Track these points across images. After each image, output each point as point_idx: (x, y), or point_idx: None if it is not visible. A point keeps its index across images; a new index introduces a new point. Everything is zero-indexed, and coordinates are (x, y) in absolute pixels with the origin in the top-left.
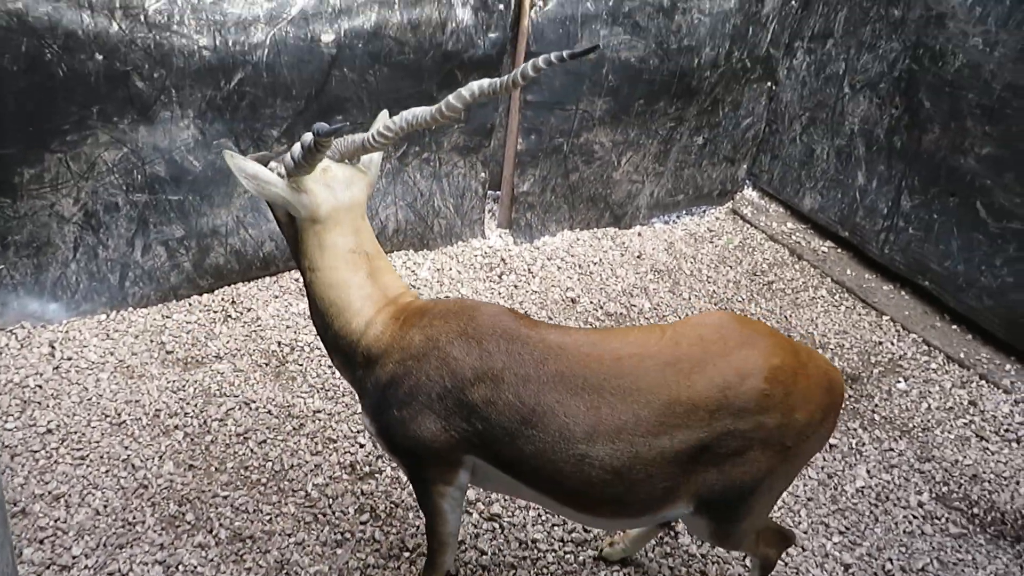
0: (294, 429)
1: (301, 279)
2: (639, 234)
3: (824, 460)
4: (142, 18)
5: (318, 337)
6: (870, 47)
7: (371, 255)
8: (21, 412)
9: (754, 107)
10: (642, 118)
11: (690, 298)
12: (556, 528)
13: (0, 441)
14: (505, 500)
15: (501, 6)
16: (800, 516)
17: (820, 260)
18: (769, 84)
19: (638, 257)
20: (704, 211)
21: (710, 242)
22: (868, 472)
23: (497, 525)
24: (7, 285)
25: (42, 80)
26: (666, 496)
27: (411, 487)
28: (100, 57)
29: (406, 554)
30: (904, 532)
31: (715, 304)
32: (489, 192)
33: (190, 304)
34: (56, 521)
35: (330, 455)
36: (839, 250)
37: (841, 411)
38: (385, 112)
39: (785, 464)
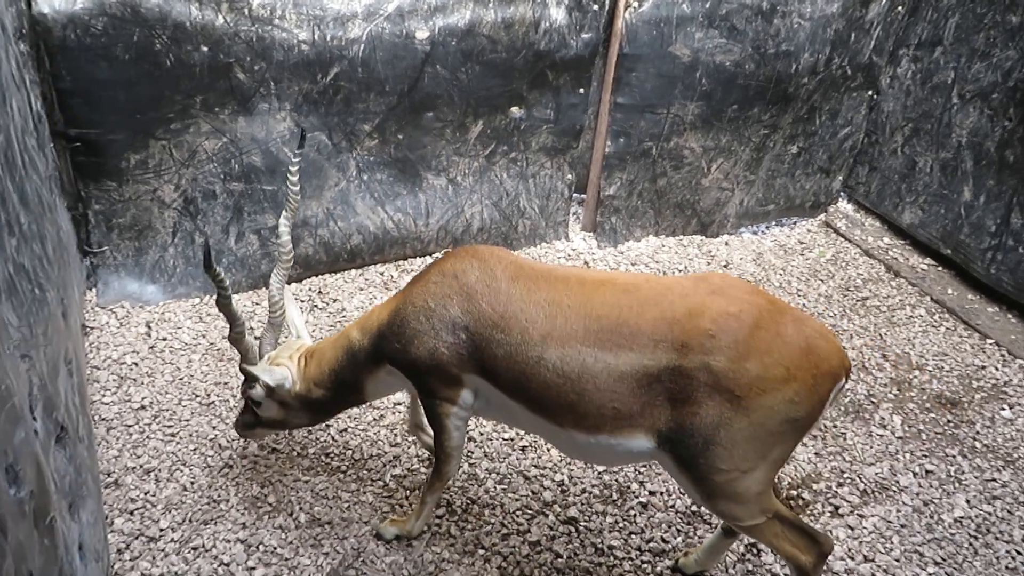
0: (374, 420)
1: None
2: (726, 243)
3: (920, 486)
4: (246, 11)
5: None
6: (983, 55)
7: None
8: (117, 388)
9: (853, 116)
10: (735, 124)
11: None
12: (633, 536)
13: (97, 414)
14: (582, 504)
15: (595, 6)
16: (892, 543)
17: (919, 278)
18: (870, 93)
19: (725, 267)
20: (795, 223)
21: (801, 255)
22: (968, 502)
23: (573, 529)
24: (110, 266)
25: (151, 69)
26: (618, 419)
27: (484, 486)
28: (205, 49)
29: (481, 551)
30: (1007, 568)
31: None
32: (575, 194)
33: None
34: (146, 494)
35: (408, 447)
36: (940, 268)
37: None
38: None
39: (742, 418)
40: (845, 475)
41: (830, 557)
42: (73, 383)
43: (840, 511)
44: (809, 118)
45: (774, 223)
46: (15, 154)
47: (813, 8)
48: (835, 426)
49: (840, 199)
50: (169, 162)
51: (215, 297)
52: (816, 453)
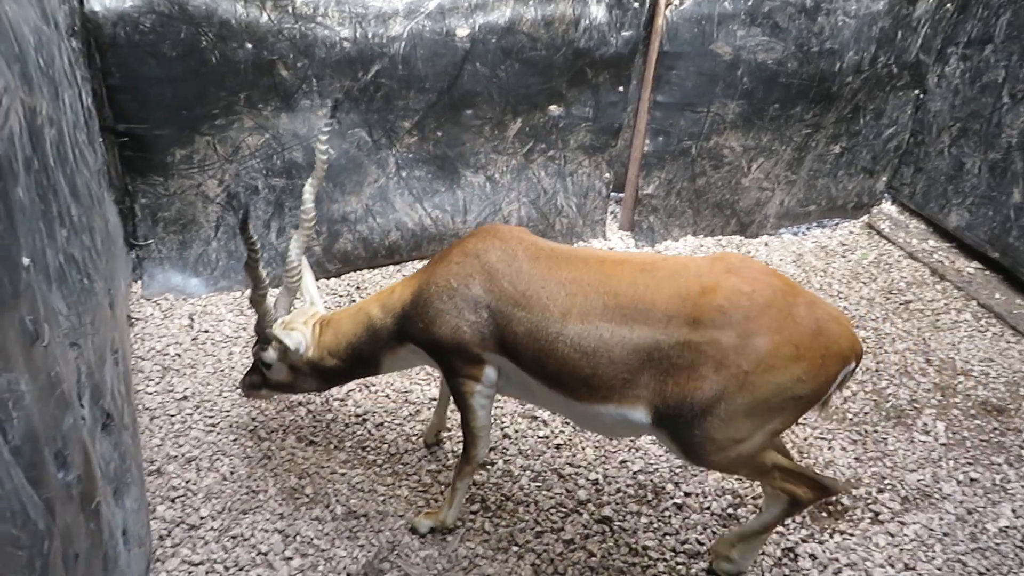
0: (410, 415)
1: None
2: (766, 244)
3: (963, 495)
4: (290, 9)
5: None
6: None
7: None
8: (161, 378)
9: (898, 116)
10: (776, 123)
11: None
12: (668, 537)
13: (141, 403)
14: (616, 503)
15: (636, 4)
16: (934, 551)
17: (965, 282)
18: (916, 92)
19: None
20: (837, 224)
21: (842, 256)
22: (1014, 512)
23: (607, 528)
24: (155, 259)
25: (197, 66)
26: (625, 389)
27: (516, 483)
28: (250, 46)
29: (515, 548)
30: None
31: None
32: (612, 193)
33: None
34: (187, 482)
35: (444, 443)
36: (987, 272)
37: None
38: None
39: (746, 393)
40: (886, 481)
41: (869, 563)
42: (119, 372)
43: (880, 517)
44: (853, 117)
45: (815, 224)
46: (67, 148)
47: (859, 5)
48: (876, 431)
49: (884, 200)
50: (213, 157)
51: (245, 258)
52: (856, 458)
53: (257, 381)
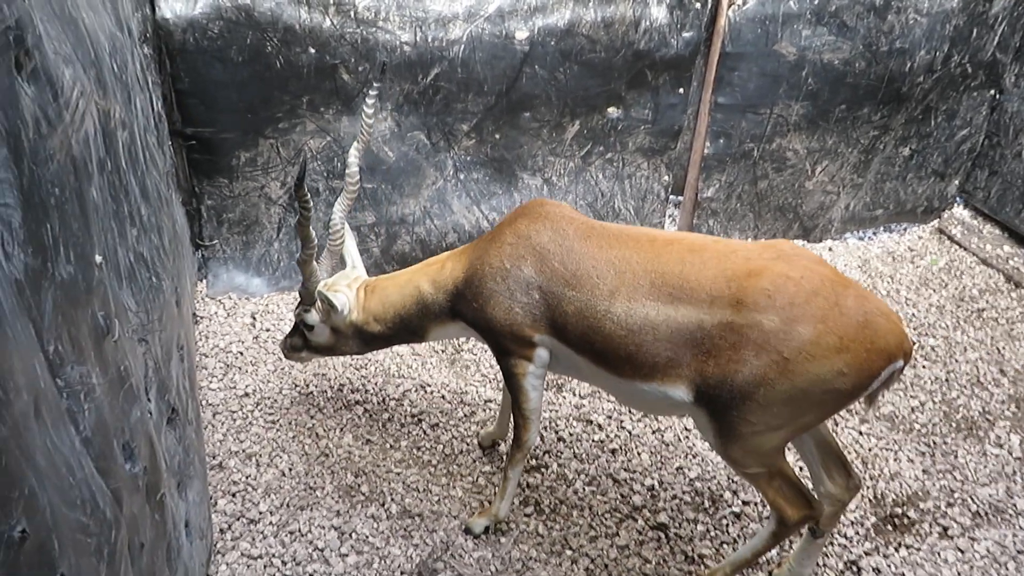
0: (465, 416)
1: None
2: (830, 249)
3: None
4: (352, 14)
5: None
6: None
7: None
8: (224, 375)
9: (972, 117)
10: (842, 125)
11: None
12: (725, 547)
13: (204, 399)
14: (672, 510)
15: (698, 5)
16: (1008, 569)
17: None
18: (992, 92)
19: None
20: (905, 228)
21: (911, 262)
22: None
23: (663, 535)
24: (220, 259)
25: (261, 71)
26: (668, 368)
27: (571, 486)
28: (313, 51)
29: (568, 552)
30: None
31: (915, 330)
32: (671, 196)
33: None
34: (247, 478)
35: (498, 446)
36: None
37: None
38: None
39: (784, 380)
40: (955, 495)
41: None
42: (184, 368)
43: (949, 532)
44: (924, 119)
45: (882, 229)
46: (138, 151)
47: (931, 3)
48: (945, 443)
49: (956, 204)
50: (276, 160)
51: (297, 218)
52: (924, 470)
53: (298, 343)
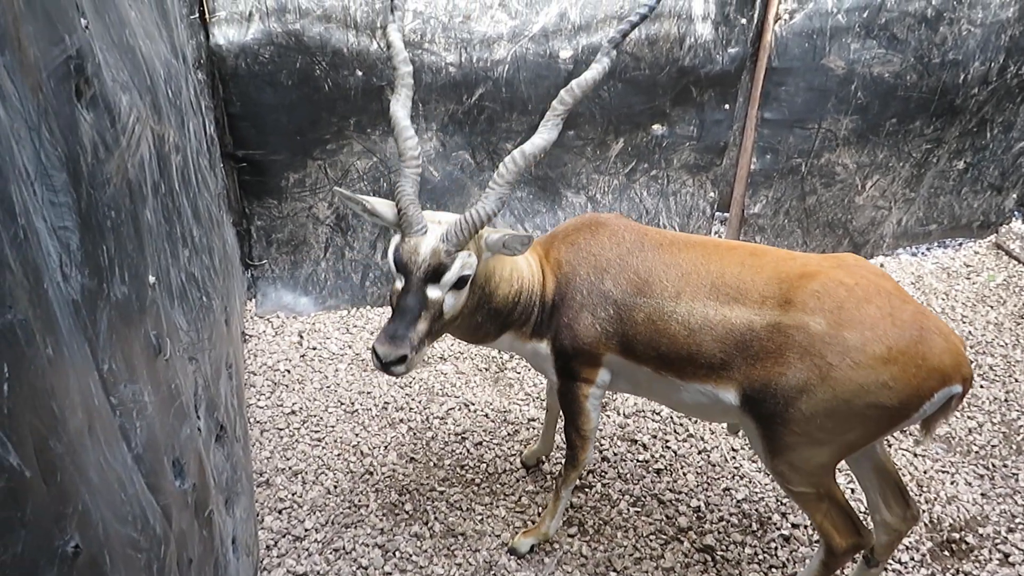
0: (509, 435)
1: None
2: (882, 265)
3: None
4: None
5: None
6: None
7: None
8: (271, 393)
9: None
10: (893, 139)
11: None
12: (774, 570)
13: (252, 417)
14: (719, 532)
15: (743, 20)
16: None
17: None
18: None
19: None
20: (960, 244)
21: (966, 278)
22: None
23: (709, 558)
24: (268, 278)
25: (311, 93)
26: (722, 369)
27: (612, 493)
28: (360, 73)
29: (613, 574)
30: None
31: (972, 349)
32: (717, 213)
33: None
34: (293, 495)
35: (542, 464)
36: None
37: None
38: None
39: (827, 388)
40: (1017, 520)
41: None
42: (232, 386)
43: (1011, 559)
44: (979, 131)
45: (936, 244)
46: (190, 173)
47: (985, 13)
48: (1005, 465)
49: (1014, 219)
50: (323, 181)
51: (386, 27)
52: (983, 494)
53: (424, 329)
